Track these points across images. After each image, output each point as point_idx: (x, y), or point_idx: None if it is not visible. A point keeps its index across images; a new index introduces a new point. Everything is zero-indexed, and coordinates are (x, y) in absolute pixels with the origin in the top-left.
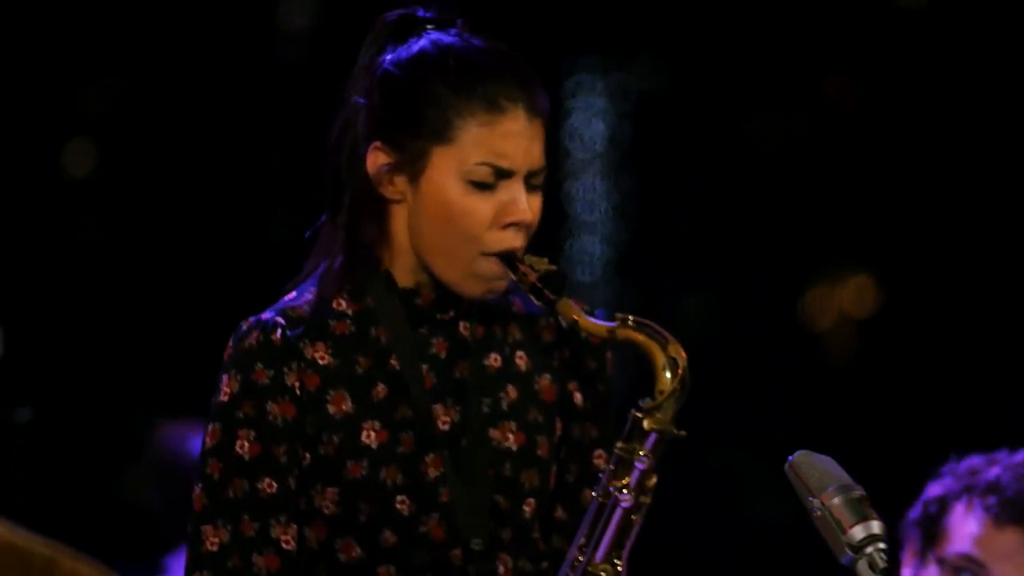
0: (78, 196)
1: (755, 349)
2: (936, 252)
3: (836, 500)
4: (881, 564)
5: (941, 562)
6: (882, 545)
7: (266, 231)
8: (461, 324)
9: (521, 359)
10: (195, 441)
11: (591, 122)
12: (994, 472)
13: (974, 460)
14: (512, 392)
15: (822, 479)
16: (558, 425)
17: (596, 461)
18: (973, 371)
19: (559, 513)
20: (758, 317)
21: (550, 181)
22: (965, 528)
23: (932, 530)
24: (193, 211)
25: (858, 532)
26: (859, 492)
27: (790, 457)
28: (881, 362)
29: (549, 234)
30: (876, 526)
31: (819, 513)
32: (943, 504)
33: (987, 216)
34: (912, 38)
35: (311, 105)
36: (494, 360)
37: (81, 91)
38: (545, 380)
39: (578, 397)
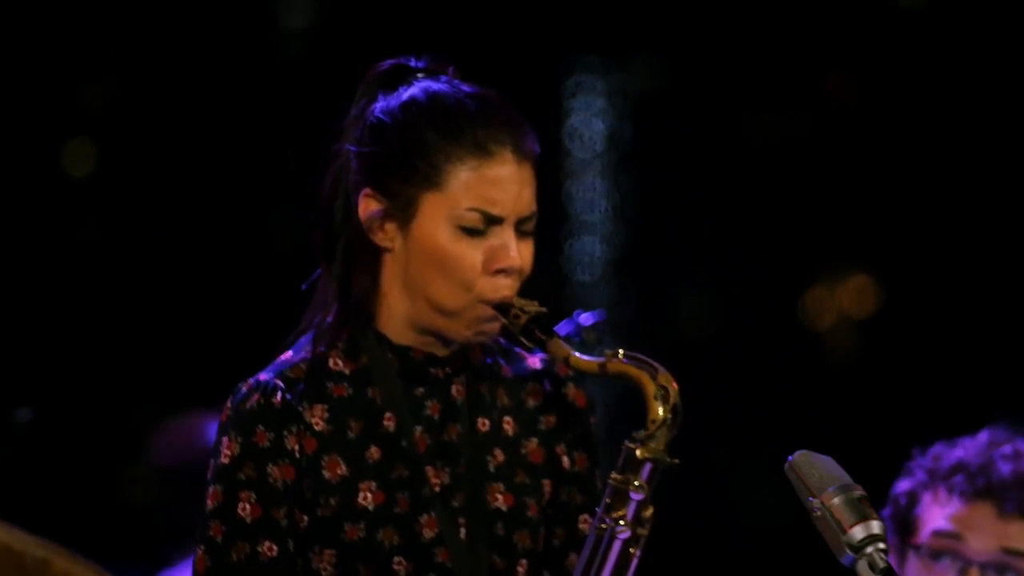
0: (78, 196)
1: (755, 349)
2: (936, 252)
3: (836, 500)
4: (881, 564)
5: (918, 549)
6: (882, 545)
7: (266, 231)
8: (454, 387)
9: (508, 424)
10: (196, 439)
11: (591, 122)
12: (956, 454)
13: (936, 448)
14: (499, 455)
15: (822, 479)
16: (547, 487)
17: (582, 526)
18: (973, 371)
19: None
20: (758, 317)
21: (550, 181)
22: (936, 511)
23: (905, 523)
24: (193, 211)
25: (858, 532)
26: (859, 492)
27: (790, 457)
28: (881, 362)
29: (549, 234)
30: (876, 526)
31: (819, 513)
32: (912, 496)
33: (987, 216)
34: (912, 37)
35: (311, 105)
36: (482, 424)
37: (81, 91)
38: (532, 444)
39: (565, 461)
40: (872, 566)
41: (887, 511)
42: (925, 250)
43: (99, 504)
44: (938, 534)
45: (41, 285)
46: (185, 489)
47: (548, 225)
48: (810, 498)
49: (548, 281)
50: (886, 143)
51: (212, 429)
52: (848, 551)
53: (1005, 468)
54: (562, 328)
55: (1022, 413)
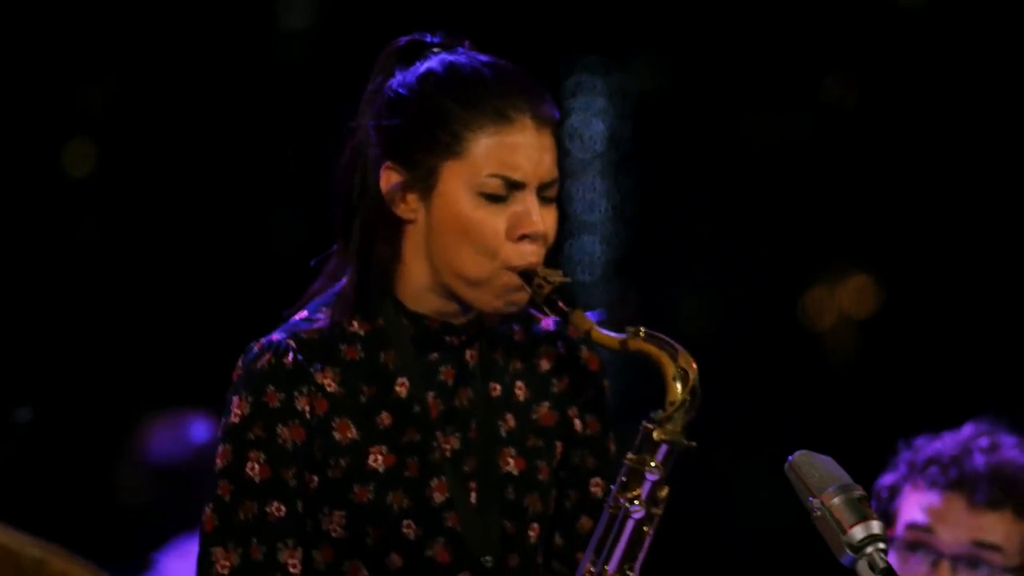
0: (78, 196)
1: (755, 349)
2: (936, 252)
3: (836, 500)
4: (881, 564)
5: (894, 542)
6: (882, 545)
7: (267, 230)
8: (468, 352)
9: (520, 389)
10: (185, 437)
11: (591, 122)
12: (935, 446)
13: (918, 440)
14: (511, 420)
15: (822, 479)
16: (558, 450)
17: (593, 489)
18: (973, 371)
19: (557, 539)
20: (758, 317)
21: None
22: (913, 503)
23: (887, 516)
24: (193, 211)
25: (858, 532)
26: (859, 492)
27: (790, 457)
28: (881, 362)
29: None
30: (876, 526)
31: (819, 513)
32: (893, 489)
33: (987, 216)
34: (912, 37)
35: (311, 104)
36: (494, 389)
37: (81, 91)
38: (544, 408)
39: (578, 424)
40: (872, 566)
41: (871, 504)
42: (925, 250)
43: (98, 504)
44: (911, 527)
45: (41, 285)
46: (176, 486)
47: None
48: (810, 498)
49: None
50: (886, 143)
51: (201, 426)
52: (848, 551)
53: (979, 460)
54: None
55: (1021, 411)
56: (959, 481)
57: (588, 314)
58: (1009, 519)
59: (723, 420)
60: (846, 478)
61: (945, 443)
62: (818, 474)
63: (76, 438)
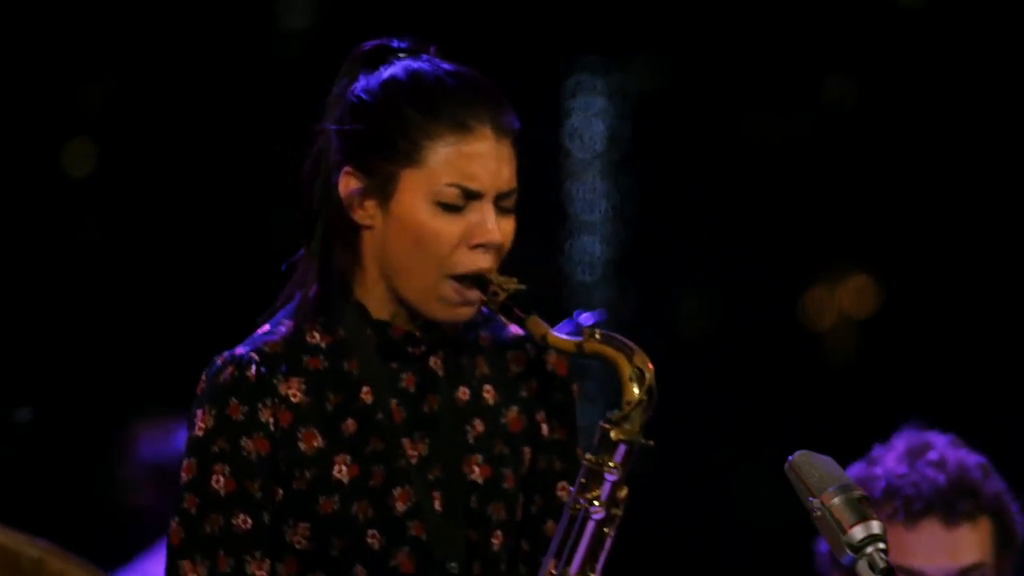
0: (78, 196)
1: (755, 349)
2: (936, 252)
3: (836, 500)
4: (881, 564)
5: None
6: (882, 545)
7: (266, 230)
8: (431, 358)
9: (488, 393)
10: (175, 440)
11: (591, 122)
12: (883, 479)
13: (855, 471)
14: (479, 425)
15: (822, 479)
16: (526, 455)
17: (560, 494)
18: (973, 371)
19: (523, 545)
20: (758, 317)
21: (550, 181)
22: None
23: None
24: (193, 211)
25: (858, 532)
26: (859, 492)
27: (790, 457)
28: (881, 362)
29: (549, 234)
30: (876, 526)
31: (819, 513)
32: None
33: (987, 216)
34: (912, 38)
35: (311, 104)
36: (463, 394)
37: (81, 91)
38: (512, 412)
39: (545, 428)
40: (872, 566)
41: (827, 568)
42: (925, 250)
43: (98, 504)
44: (898, 569)
45: (41, 285)
46: (165, 488)
47: (548, 225)
48: (810, 498)
49: (548, 281)
50: (886, 143)
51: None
52: (848, 551)
53: (938, 478)
54: (562, 328)
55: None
56: (928, 507)
57: (588, 314)
58: (984, 525)
59: (724, 420)
60: (846, 478)
61: (888, 469)
62: (818, 474)
63: (76, 438)
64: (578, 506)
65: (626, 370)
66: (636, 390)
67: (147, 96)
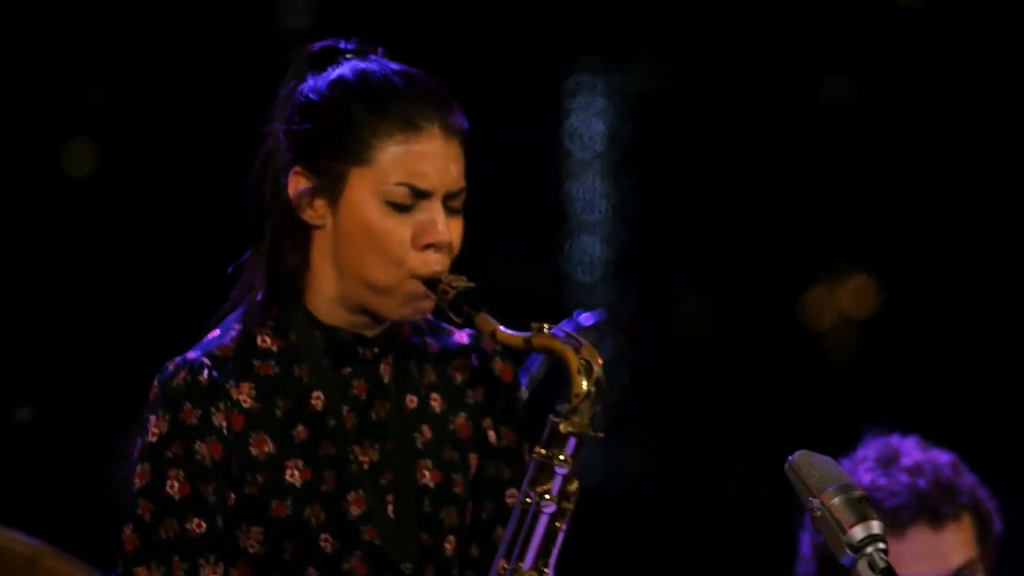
0: (78, 196)
1: (755, 349)
2: (936, 252)
3: (836, 500)
4: (881, 564)
5: None
6: (882, 545)
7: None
8: (381, 365)
9: (436, 400)
10: None
11: (591, 122)
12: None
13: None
14: (427, 432)
15: (822, 479)
16: (473, 462)
17: (509, 500)
18: (973, 371)
19: (473, 550)
20: (758, 317)
21: (550, 181)
22: None
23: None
24: (193, 211)
25: (858, 532)
26: (859, 492)
27: (790, 457)
28: (881, 362)
29: (549, 234)
30: (876, 526)
31: (819, 513)
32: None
33: (987, 216)
34: (912, 38)
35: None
36: (410, 401)
37: (81, 91)
38: (460, 419)
39: (492, 435)
40: (872, 566)
41: (809, 569)
42: (925, 250)
43: (97, 504)
44: None
45: (41, 285)
46: None
47: (548, 225)
48: (810, 498)
49: (548, 281)
50: (886, 143)
51: None
52: (848, 551)
53: (919, 482)
54: (562, 328)
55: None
56: (915, 514)
57: (588, 314)
58: (967, 521)
59: (724, 420)
60: (846, 478)
61: (864, 481)
62: (818, 474)
63: (76, 438)
64: (528, 500)
65: (574, 363)
66: (584, 383)
67: (147, 96)
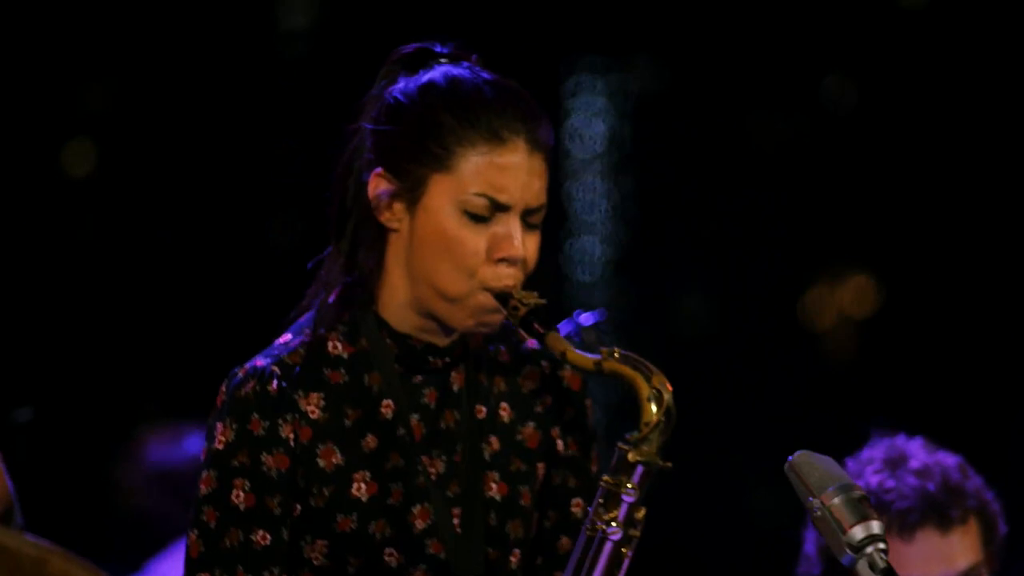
0: (78, 196)
1: (755, 349)
2: (936, 252)
3: (836, 500)
4: (881, 564)
5: None
6: (882, 545)
7: (266, 231)
8: (452, 373)
9: (504, 410)
10: (183, 447)
11: (591, 122)
12: (869, 496)
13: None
14: (495, 443)
15: (822, 479)
16: (540, 471)
17: (574, 510)
18: (973, 371)
19: (537, 560)
20: (758, 317)
21: (551, 181)
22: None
23: None
24: (193, 211)
25: (858, 532)
26: (859, 492)
27: (790, 457)
28: (881, 362)
29: (549, 234)
30: (876, 526)
31: (819, 513)
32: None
33: (987, 216)
34: (913, 38)
35: (311, 104)
36: (479, 411)
37: (81, 91)
38: (529, 428)
39: (560, 444)
40: (872, 566)
41: (815, 568)
42: (925, 250)
43: (98, 504)
44: None
45: (41, 285)
46: (168, 493)
47: (548, 225)
48: (810, 498)
49: (548, 281)
50: (886, 143)
51: (199, 437)
52: (848, 551)
53: (927, 485)
54: (562, 328)
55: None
56: (924, 517)
57: (588, 314)
58: (973, 525)
59: (724, 420)
60: (846, 478)
61: (871, 483)
62: (818, 474)
63: (76, 438)
64: (596, 527)
65: (644, 391)
66: (654, 411)
67: (147, 96)
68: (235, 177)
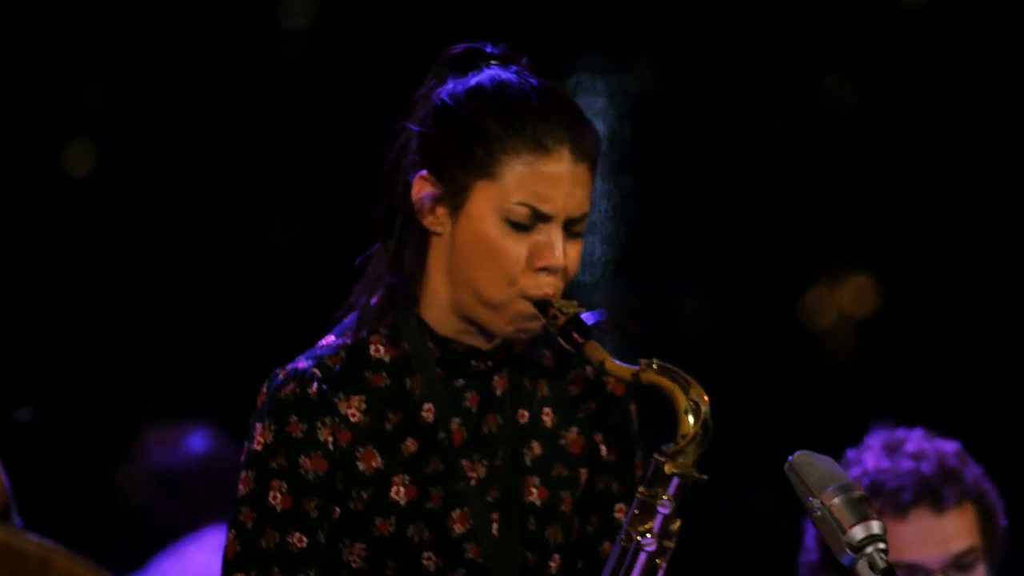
0: (78, 196)
1: (755, 349)
2: (936, 252)
3: (836, 500)
4: (881, 564)
5: None
6: (882, 545)
7: (266, 231)
8: (495, 377)
9: (547, 415)
10: (184, 447)
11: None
12: (864, 478)
13: None
14: (536, 448)
15: (822, 479)
16: (583, 477)
17: (617, 515)
18: (973, 371)
19: (579, 564)
20: (758, 317)
21: None
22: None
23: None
24: (193, 211)
25: (858, 532)
26: (859, 492)
27: (790, 457)
28: (881, 362)
29: None
30: (876, 526)
31: (819, 513)
32: None
33: (987, 216)
34: (913, 38)
35: (311, 104)
36: (521, 416)
37: (81, 91)
38: (572, 433)
39: (603, 449)
40: (872, 566)
41: (812, 556)
42: (925, 250)
43: (99, 504)
44: (898, 565)
45: (41, 285)
46: (170, 493)
47: None
48: (810, 498)
49: None
50: (886, 143)
51: (199, 437)
52: (848, 551)
53: (922, 467)
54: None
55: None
56: (916, 497)
57: (588, 314)
58: (969, 510)
59: (723, 420)
60: (846, 478)
61: (868, 466)
62: (818, 474)
63: (76, 439)
64: (630, 538)
65: (682, 403)
66: (692, 424)
67: (147, 96)
68: (235, 177)
